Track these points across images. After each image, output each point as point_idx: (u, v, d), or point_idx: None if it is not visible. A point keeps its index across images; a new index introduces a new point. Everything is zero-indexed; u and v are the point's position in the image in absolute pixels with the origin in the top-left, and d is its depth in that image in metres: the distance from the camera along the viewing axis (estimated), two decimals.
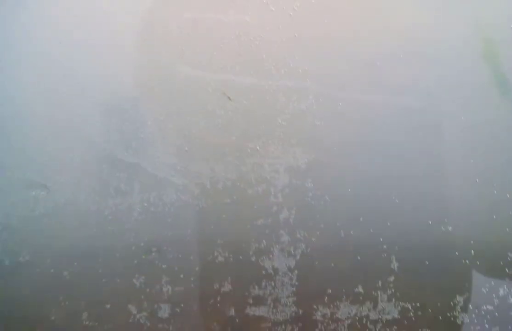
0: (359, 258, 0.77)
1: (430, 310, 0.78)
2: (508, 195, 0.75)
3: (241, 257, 0.77)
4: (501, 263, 0.77)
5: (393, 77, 0.72)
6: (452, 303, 0.78)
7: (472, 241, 0.76)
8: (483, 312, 0.78)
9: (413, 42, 0.73)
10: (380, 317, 0.79)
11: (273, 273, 0.78)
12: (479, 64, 0.73)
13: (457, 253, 0.77)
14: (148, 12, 0.73)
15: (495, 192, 0.75)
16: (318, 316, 0.78)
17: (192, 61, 0.73)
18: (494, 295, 0.77)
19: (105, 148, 0.73)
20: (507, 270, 0.76)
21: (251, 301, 0.78)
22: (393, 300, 0.78)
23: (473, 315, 0.78)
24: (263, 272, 0.78)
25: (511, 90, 0.73)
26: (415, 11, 0.72)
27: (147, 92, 0.74)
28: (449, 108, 0.73)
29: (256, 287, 0.78)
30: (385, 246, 0.76)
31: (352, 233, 0.76)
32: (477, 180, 0.75)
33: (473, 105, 0.73)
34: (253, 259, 0.77)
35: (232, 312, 0.77)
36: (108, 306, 0.75)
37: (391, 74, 0.72)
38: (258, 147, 0.75)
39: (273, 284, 0.78)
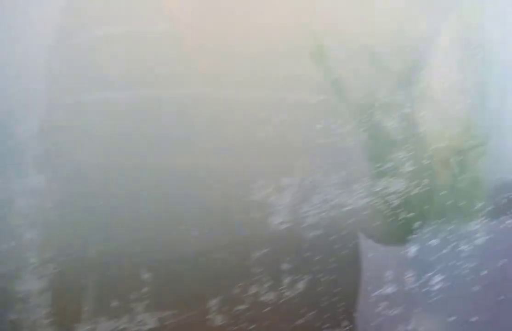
0: (109, 273, 0.78)
1: (187, 316, 0.81)
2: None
3: None
4: (248, 262, 0.80)
5: None
6: (207, 307, 0.81)
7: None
8: (235, 311, 0.81)
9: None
10: (139, 328, 0.80)
11: (26, 297, 0.78)
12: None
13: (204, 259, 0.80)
14: None
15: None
16: None
17: None
18: (244, 295, 0.81)
19: None
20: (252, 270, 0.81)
21: (7, 327, 0.78)
22: (150, 310, 0.80)
23: (228, 316, 0.81)
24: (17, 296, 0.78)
25: (344, 95, 0.78)
26: None
27: None
28: None
29: (11, 312, 0.77)
30: (133, 259, 0.78)
31: (97, 248, 0.78)
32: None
33: None
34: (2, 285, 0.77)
35: None
36: None
37: None
38: None
39: (27, 307, 0.78)
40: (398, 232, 0.81)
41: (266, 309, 0.82)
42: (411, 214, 0.80)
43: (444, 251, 0.83)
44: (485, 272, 0.83)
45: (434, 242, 0.82)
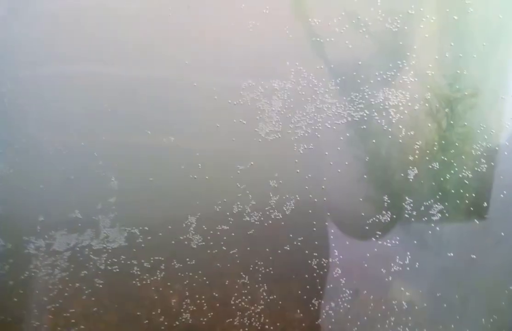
0: (72, 177, 0.68)
1: (161, 234, 0.72)
2: None
3: None
4: (232, 176, 0.72)
5: None
6: (185, 224, 0.72)
7: None
8: (215, 232, 0.73)
9: None
10: (104, 246, 0.70)
11: None
12: None
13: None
14: None
15: None
16: (31, 249, 0.68)
17: None
18: (226, 213, 0.72)
19: None
20: None
21: None
22: (117, 225, 0.70)
23: (207, 236, 0.72)
24: None
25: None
26: None
27: None
28: None
29: None
30: (101, 162, 0.69)
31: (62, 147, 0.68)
32: None
33: None
34: None
35: None
36: None
37: None
38: None
39: None
40: (397, 152, 0.74)
41: (249, 232, 0.74)
42: (412, 132, 0.73)
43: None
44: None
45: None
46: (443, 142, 0.74)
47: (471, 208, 0.78)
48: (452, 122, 0.77)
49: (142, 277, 0.71)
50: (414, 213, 0.76)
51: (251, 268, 0.74)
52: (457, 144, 0.75)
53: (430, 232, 0.77)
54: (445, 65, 0.76)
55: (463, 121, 0.78)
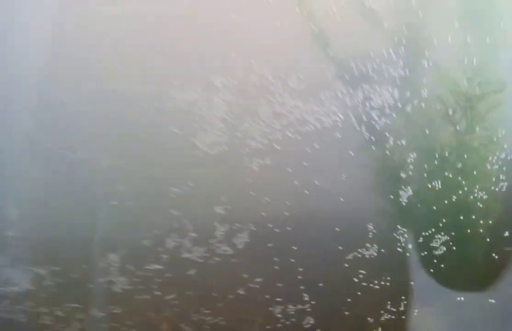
0: None
1: (74, 275, 0.56)
2: None
3: None
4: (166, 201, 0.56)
5: None
6: (104, 264, 0.56)
7: None
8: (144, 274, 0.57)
9: None
10: (5, 290, 0.56)
11: None
12: None
13: None
14: None
15: None
16: None
17: None
18: (159, 249, 0.56)
19: None
20: None
21: None
22: (20, 264, 0.55)
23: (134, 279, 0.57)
24: None
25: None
26: None
27: None
28: None
29: None
30: None
31: None
32: None
33: None
34: None
35: None
36: None
37: None
38: None
39: None
40: (384, 167, 0.56)
41: (190, 271, 0.57)
42: (402, 142, 0.55)
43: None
44: None
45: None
46: (446, 153, 0.56)
47: (487, 239, 0.60)
48: (458, 127, 0.59)
49: (54, 329, 0.56)
50: (409, 246, 0.58)
51: (194, 319, 0.58)
52: (465, 155, 0.56)
53: (431, 270, 0.59)
54: (460, 55, 0.59)
55: (482, 125, 0.60)
